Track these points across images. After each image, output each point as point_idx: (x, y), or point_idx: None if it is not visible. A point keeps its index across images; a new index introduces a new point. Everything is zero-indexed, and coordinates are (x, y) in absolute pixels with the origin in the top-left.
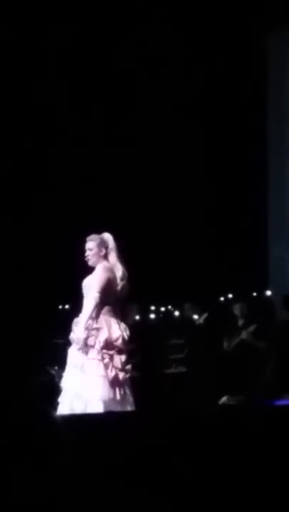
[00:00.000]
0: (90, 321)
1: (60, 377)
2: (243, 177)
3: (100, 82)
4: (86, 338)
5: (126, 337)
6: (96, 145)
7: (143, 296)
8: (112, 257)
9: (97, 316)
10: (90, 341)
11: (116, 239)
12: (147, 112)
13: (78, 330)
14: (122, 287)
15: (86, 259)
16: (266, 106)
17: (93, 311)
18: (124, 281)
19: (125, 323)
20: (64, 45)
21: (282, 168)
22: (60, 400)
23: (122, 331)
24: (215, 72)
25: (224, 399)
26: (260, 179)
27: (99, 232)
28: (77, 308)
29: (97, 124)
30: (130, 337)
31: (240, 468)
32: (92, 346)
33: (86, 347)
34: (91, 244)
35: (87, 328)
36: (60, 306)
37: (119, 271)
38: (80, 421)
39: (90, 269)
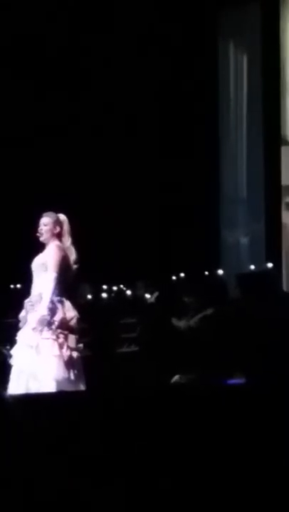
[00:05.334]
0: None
1: (11, 356)
2: (196, 154)
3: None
4: (51, 317)
5: (78, 316)
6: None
7: (95, 275)
8: (67, 239)
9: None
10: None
11: (69, 218)
12: (101, 86)
13: (41, 310)
14: (74, 270)
15: (38, 233)
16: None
17: (54, 290)
18: (76, 265)
19: (77, 302)
20: None
21: (234, 147)
22: (12, 380)
23: (75, 311)
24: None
25: (176, 378)
26: (212, 156)
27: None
28: (28, 288)
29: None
30: (82, 316)
31: (190, 447)
32: (47, 326)
33: (49, 326)
34: (47, 219)
35: (49, 308)
36: (12, 286)
37: (72, 254)
38: (32, 400)
39: (40, 248)
